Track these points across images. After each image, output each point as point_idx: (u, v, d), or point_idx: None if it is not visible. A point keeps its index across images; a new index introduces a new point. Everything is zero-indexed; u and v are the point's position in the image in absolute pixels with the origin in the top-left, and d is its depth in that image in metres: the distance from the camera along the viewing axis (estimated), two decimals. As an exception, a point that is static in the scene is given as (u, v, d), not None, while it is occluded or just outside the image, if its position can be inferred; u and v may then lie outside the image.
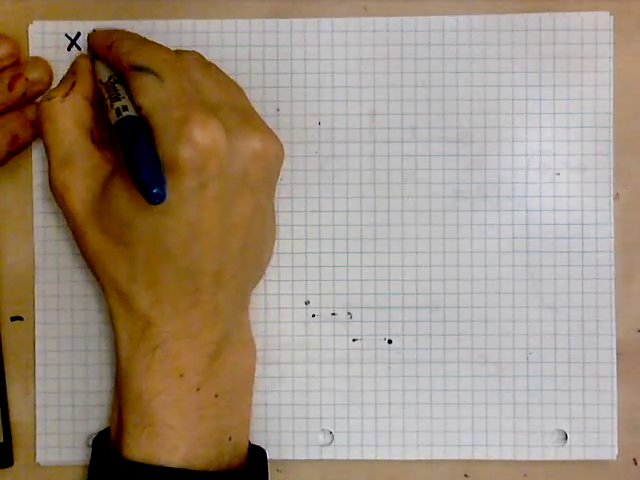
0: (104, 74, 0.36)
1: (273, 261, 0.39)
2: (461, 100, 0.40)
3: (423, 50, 0.40)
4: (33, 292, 0.40)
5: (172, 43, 0.40)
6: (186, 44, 0.40)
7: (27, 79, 0.38)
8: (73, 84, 0.36)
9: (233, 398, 0.36)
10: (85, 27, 0.40)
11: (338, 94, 0.40)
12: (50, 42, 0.40)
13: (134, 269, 0.34)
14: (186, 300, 0.34)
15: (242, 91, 0.37)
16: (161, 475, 0.33)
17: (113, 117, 0.33)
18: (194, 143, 0.31)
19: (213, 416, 0.35)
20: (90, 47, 0.38)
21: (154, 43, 0.35)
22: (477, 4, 0.40)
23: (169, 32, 0.40)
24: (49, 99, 0.35)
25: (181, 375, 0.34)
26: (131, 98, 0.33)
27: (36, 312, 0.40)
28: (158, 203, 0.31)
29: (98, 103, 0.36)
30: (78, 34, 0.40)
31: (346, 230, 0.40)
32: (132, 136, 0.32)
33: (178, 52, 0.36)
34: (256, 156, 0.34)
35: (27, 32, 0.40)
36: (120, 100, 0.34)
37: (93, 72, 0.37)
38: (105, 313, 0.39)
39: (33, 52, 0.40)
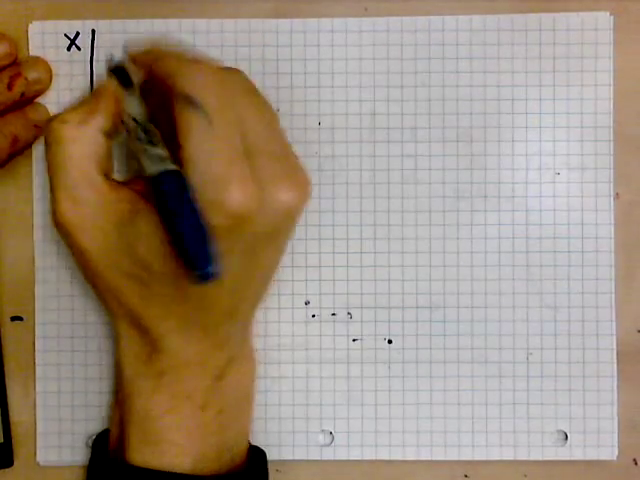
0: (137, 109, 0.33)
1: (273, 261, 0.39)
2: (461, 100, 0.40)
3: (423, 50, 0.40)
4: (33, 292, 0.40)
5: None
6: (186, 44, 0.40)
7: (26, 79, 0.38)
8: (93, 111, 0.33)
9: (235, 413, 0.36)
10: (85, 27, 0.40)
11: (338, 94, 0.40)
12: (50, 42, 0.40)
13: (150, 303, 0.33)
14: (199, 332, 0.34)
15: (276, 118, 0.34)
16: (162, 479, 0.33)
17: (148, 165, 0.31)
18: (229, 210, 0.30)
19: (215, 432, 0.35)
20: (121, 67, 0.34)
21: (204, 64, 0.32)
22: (477, 4, 0.40)
23: (169, 32, 0.40)
24: (63, 122, 0.32)
25: (187, 397, 0.34)
26: (164, 137, 0.31)
27: (36, 312, 0.40)
28: (207, 282, 0.29)
29: (115, 135, 0.34)
30: (77, 34, 0.40)
31: (346, 230, 0.40)
32: (176, 200, 0.30)
33: (220, 71, 0.33)
34: (289, 212, 0.32)
35: (27, 32, 0.40)
36: (156, 146, 0.31)
37: (118, 101, 0.34)
38: (105, 313, 0.39)
39: (33, 52, 0.40)
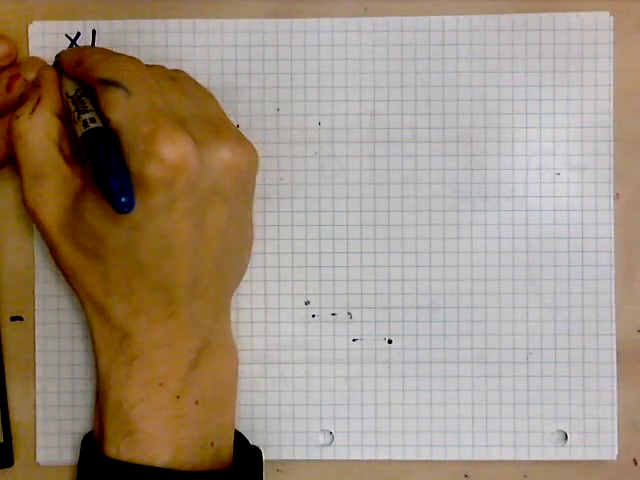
0: (71, 88, 0.35)
1: (273, 261, 0.39)
2: (461, 100, 0.40)
3: (423, 50, 0.40)
4: (33, 292, 0.40)
5: (172, 43, 0.40)
6: (186, 44, 0.40)
7: (25, 80, 0.38)
8: (39, 99, 0.36)
9: (215, 404, 0.36)
10: (85, 27, 0.40)
11: (338, 94, 0.40)
12: (50, 42, 0.40)
13: (108, 282, 0.34)
14: (162, 311, 0.34)
15: (213, 99, 0.36)
16: (144, 474, 0.33)
17: (80, 129, 0.33)
18: (162, 160, 0.31)
19: (194, 423, 0.35)
20: (59, 65, 0.37)
21: (123, 56, 0.35)
22: (477, 4, 0.40)
23: (169, 32, 0.40)
24: (17, 117, 0.35)
25: (160, 384, 0.34)
26: (98, 111, 0.33)
27: (36, 312, 0.40)
28: (127, 212, 0.31)
29: (66, 117, 0.36)
30: (78, 34, 0.40)
31: (346, 230, 0.40)
32: (99, 146, 0.32)
33: (140, 62, 0.35)
34: (227, 167, 0.33)
35: (27, 32, 0.40)
36: (87, 112, 0.33)
37: (59, 86, 0.36)
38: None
39: (33, 52, 0.40)
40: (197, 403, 0.35)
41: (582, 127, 0.40)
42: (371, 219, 0.40)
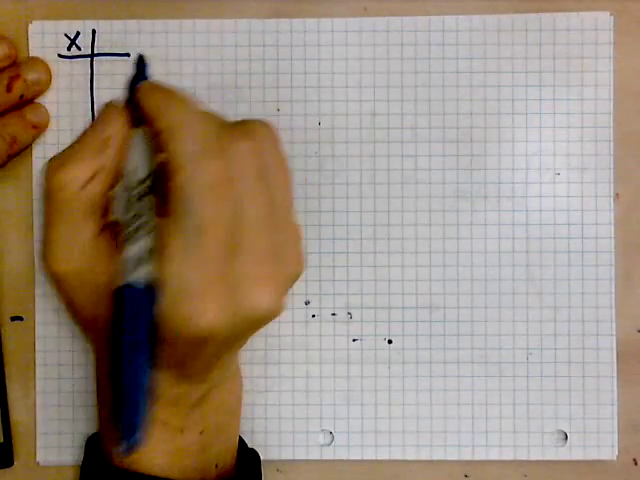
0: (135, 172, 0.29)
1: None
2: (461, 100, 0.40)
3: (423, 50, 0.40)
4: (33, 292, 0.40)
5: (172, 43, 0.40)
6: (186, 44, 0.40)
7: (25, 80, 0.38)
8: (97, 171, 0.30)
9: (219, 429, 0.36)
10: (85, 27, 0.40)
11: (338, 94, 0.40)
12: (50, 42, 0.40)
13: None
14: (171, 378, 0.33)
15: (286, 183, 0.31)
16: None
17: (119, 275, 0.29)
18: (196, 333, 0.29)
19: (198, 450, 0.35)
20: (132, 99, 0.31)
21: (215, 161, 0.28)
22: (477, 4, 0.40)
23: (169, 32, 0.40)
24: (66, 177, 0.30)
25: (165, 424, 0.33)
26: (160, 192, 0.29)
27: (36, 312, 0.40)
28: (128, 452, 0.28)
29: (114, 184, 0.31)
30: (78, 34, 0.40)
31: (346, 230, 0.40)
32: (129, 336, 0.28)
33: (232, 145, 0.29)
34: (263, 319, 0.31)
35: (27, 32, 0.40)
36: (134, 244, 0.29)
37: (126, 144, 0.30)
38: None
39: (33, 52, 0.40)
40: (201, 433, 0.34)
41: (582, 127, 0.40)
42: (371, 219, 0.40)
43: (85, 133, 0.31)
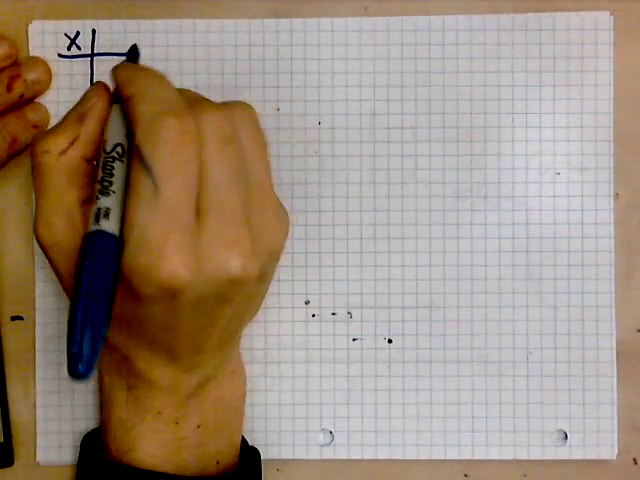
0: (112, 138, 0.31)
1: (273, 261, 0.39)
2: (461, 100, 0.40)
3: (423, 50, 0.40)
4: (33, 292, 0.40)
5: (172, 43, 0.40)
6: (186, 44, 0.40)
7: (25, 80, 0.38)
8: (75, 139, 0.32)
9: (219, 427, 0.36)
10: (85, 27, 0.40)
11: (338, 94, 0.40)
12: (50, 42, 0.40)
13: (113, 330, 0.33)
14: (162, 360, 0.33)
15: (263, 158, 0.33)
16: (145, 478, 0.34)
17: (90, 218, 0.30)
18: (161, 283, 0.29)
19: (196, 445, 0.35)
20: (113, 85, 0.33)
21: (171, 119, 0.29)
22: (477, 4, 0.40)
23: (169, 32, 0.40)
24: (44, 151, 0.31)
25: (159, 413, 0.34)
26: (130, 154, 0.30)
27: (36, 312, 0.40)
28: (76, 379, 0.28)
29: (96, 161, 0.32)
30: (78, 33, 0.40)
31: (346, 230, 0.40)
32: (89, 268, 0.29)
33: (202, 115, 0.31)
34: (232, 282, 0.31)
35: (27, 32, 0.40)
36: (108, 196, 0.30)
37: (105, 123, 0.32)
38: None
39: (33, 52, 0.40)
40: (199, 427, 0.35)
41: (582, 127, 0.40)
42: (371, 219, 0.40)
43: (69, 111, 0.33)
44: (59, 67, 0.40)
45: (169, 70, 0.40)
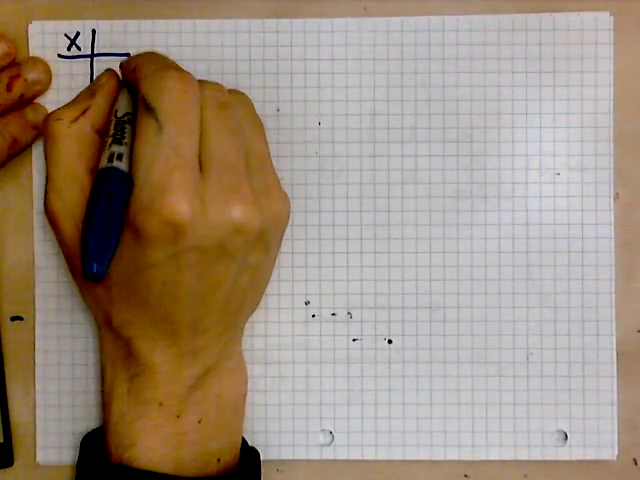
0: (123, 107, 0.34)
1: (273, 261, 0.39)
2: (461, 100, 0.40)
3: (423, 50, 0.40)
4: (33, 292, 0.40)
5: (172, 43, 0.40)
6: (186, 44, 0.40)
7: (25, 80, 0.38)
8: (87, 109, 0.34)
9: (220, 423, 0.36)
10: (85, 27, 0.40)
11: (338, 94, 0.40)
12: (50, 42, 0.40)
13: (115, 306, 0.34)
14: (163, 340, 0.34)
15: (260, 135, 0.35)
16: (146, 478, 0.34)
17: (103, 161, 0.32)
18: (163, 220, 0.30)
19: (197, 441, 0.35)
20: (121, 72, 0.35)
21: (172, 72, 0.32)
22: (477, 4, 0.40)
23: (169, 32, 0.40)
24: (57, 119, 0.33)
25: (160, 404, 0.34)
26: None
27: (36, 312, 0.40)
28: (93, 280, 0.31)
29: (106, 134, 0.34)
30: (78, 34, 0.40)
31: (346, 230, 0.40)
32: (104, 193, 0.31)
33: (200, 83, 0.33)
34: (235, 229, 0.32)
35: (27, 32, 0.40)
36: (120, 145, 0.32)
37: (115, 99, 0.35)
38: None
39: (33, 52, 0.40)
40: (200, 422, 0.35)
41: (582, 127, 0.40)
42: (371, 219, 0.40)
43: (82, 90, 0.36)
44: (59, 67, 0.40)
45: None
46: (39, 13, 0.40)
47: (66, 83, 0.40)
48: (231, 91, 0.35)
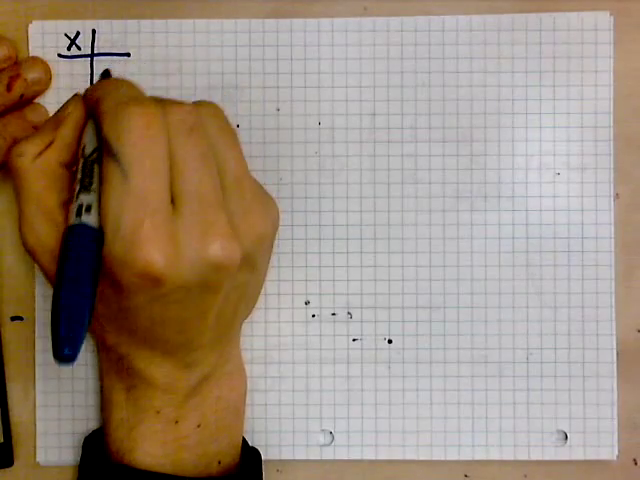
0: (90, 143, 0.32)
1: (273, 261, 0.39)
2: (461, 100, 0.40)
3: (423, 50, 0.40)
4: (33, 292, 0.40)
5: (172, 43, 0.40)
6: (186, 44, 0.40)
7: (25, 80, 0.38)
8: (51, 142, 0.33)
9: (220, 426, 0.36)
10: (85, 27, 0.40)
11: (338, 94, 0.40)
12: (50, 42, 0.40)
13: (106, 332, 0.33)
14: (158, 357, 0.34)
15: (235, 148, 0.33)
16: (147, 479, 0.34)
17: (71, 215, 0.30)
18: (139, 270, 0.29)
19: (197, 444, 0.35)
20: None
21: (133, 107, 0.30)
22: (477, 4, 0.40)
23: (169, 32, 0.40)
24: (18, 155, 0.32)
25: (158, 412, 0.34)
26: None
27: (36, 312, 0.40)
28: (65, 363, 0.29)
29: (73, 167, 0.33)
30: (78, 34, 0.40)
31: (346, 230, 0.40)
32: (74, 260, 0.29)
33: (164, 107, 0.31)
34: (215, 267, 0.30)
35: (27, 32, 0.40)
36: (89, 193, 0.30)
37: (81, 132, 0.33)
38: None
39: (33, 52, 0.40)
40: (199, 426, 0.35)
41: (582, 127, 0.40)
42: (371, 219, 0.40)
43: (45, 120, 0.34)
44: (59, 67, 0.40)
45: (169, 70, 0.40)
46: (39, 13, 0.40)
47: (66, 83, 0.40)
48: (199, 103, 0.32)
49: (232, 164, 0.32)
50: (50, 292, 0.39)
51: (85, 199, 0.30)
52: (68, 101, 0.33)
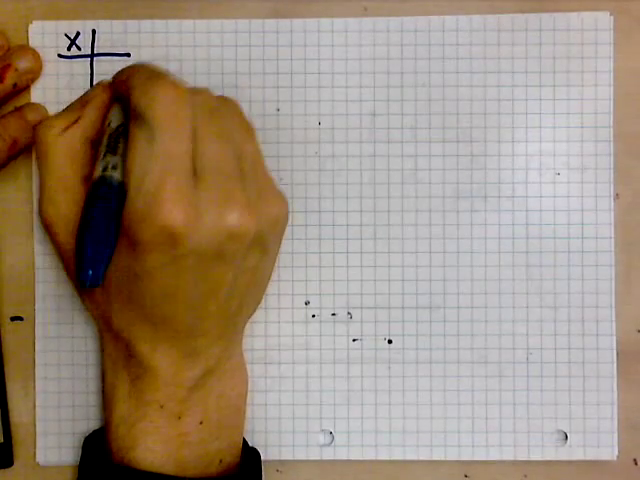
0: (116, 119, 0.34)
1: (273, 261, 0.39)
2: (461, 100, 0.40)
3: (423, 50, 0.40)
4: (33, 292, 0.40)
5: (172, 43, 0.40)
6: (186, 44, 0.40)
7: (17, 69, 0.38)
8: (78, 119, 0.34)
9: (222, 424, 0.36)
10: (85, 27, 0.40)
11: (338, 94, 0.40)
12: (50, 42, 0.40)
13: (114, 310, 0.34)
14: (163, 343, 0.34)
15: (252, 139, 0.34)
16: (148, 479, 0.34)
17: (97, 171, 0.32)
18: (157, 229, 0.30)
19: (199, 442, 0.35)
20: (113, 84, 0.35)
21: (163, 79, 0.32)
22: (477, 4, 0.40)
23: (169, 32, 0.40)
24: (48, 126, 0.34)
25: (161, 406, 0.34)
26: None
27: (36, 312, 0.40)
28: (87, 287, 0.31)
29: (98, 145, 0.34)
30: (78, 34, 0.40)
31: (346, 230, 0.40)
32: (99, 203, 0.31)
33: (190, 89, 0.33)
34: (230, 235, 0.32)
35: (27, 32, 0.40)
36: (115, 155, 0.32)
37: (108, 111, 0.35)
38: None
39: (33, 52, 0.40)
40: (201, 423, 0.35)
41: (582, 127, 0.40)
42: (371, 219, 0.40)
43: (73, 101, 0.36)
44: (59, 67, 0.40)
45: (169, 70, 0.39)
46: (39, 13, 0.40)
47: (66, 83, 0.40)
48: (218, 97, 0.34)
49: (249, 150, 0.34)
50: (50, 292, 0.40)
51: (111, 159, 0.32)
52: (94, 86, 0.36)
